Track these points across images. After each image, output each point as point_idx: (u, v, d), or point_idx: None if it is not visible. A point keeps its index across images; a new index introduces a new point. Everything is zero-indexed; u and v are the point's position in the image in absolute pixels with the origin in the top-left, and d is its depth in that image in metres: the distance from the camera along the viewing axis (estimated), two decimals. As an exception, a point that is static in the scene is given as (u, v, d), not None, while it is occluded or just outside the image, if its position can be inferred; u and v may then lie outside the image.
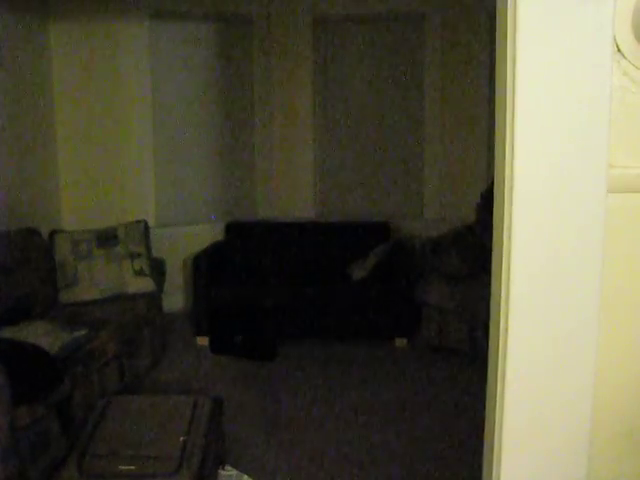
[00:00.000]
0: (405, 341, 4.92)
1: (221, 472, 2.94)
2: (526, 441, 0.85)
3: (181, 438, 2.68)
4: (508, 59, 0.79)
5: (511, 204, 0.81)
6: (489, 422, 0.90)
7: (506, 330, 0.83)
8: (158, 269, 4.81)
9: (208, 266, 5.04)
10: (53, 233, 4.55)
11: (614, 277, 0.82)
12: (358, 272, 5.08)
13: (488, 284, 1.09)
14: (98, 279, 4.42)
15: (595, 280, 0.80)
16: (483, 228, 4.18)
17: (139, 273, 4.53)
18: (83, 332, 3.54)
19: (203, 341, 4.89)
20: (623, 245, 0.82)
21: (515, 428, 0.84)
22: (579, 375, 0.82)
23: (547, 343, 0.82)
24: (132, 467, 2.51)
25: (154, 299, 4.65)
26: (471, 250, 4.50)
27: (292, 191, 5.89)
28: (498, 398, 0.85)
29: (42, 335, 3.35)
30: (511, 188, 0.80)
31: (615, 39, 0.77)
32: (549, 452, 0.85)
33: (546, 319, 0.82)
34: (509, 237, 0.81)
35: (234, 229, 5.60)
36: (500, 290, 0.84)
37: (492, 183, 1.27)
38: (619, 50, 0.78)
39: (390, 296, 4.86)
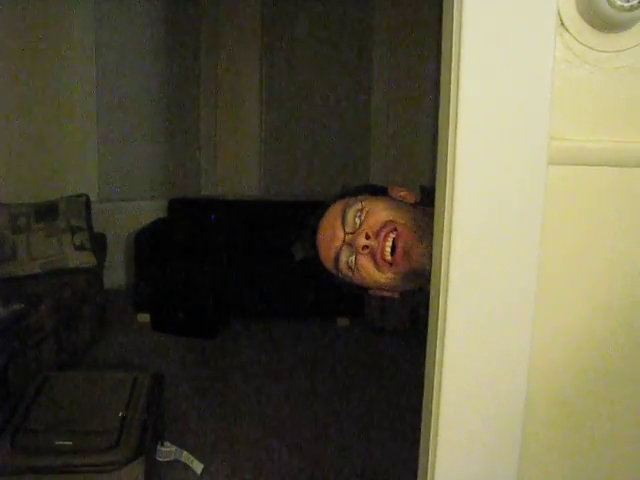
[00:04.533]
0: (347, 320, 4.95)
1: (160, 448, 2.92)
2: (463, 408, 0.86)
3: (120, 413, 2.65)
4: (454, 33, 0.79)
5: (453, 175, 0.81)
6: (427, 390, 0.91)
7: (445, 304, 0.84)
8: (99, 244, 4.72)
9: (150, 243, 4.97)
10: (-11, 206, 4.42)
11: (553, 248, 0.84)
12: (301, 251, 5.07)
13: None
14: (36, 253, 4.31)
15: (534, 251, 0.82)
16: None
17: (80, 247, 4.43)
18: (20, 306, 3.46)
19: (144, 318, 4.83)
20: (563, 217, 0.84)
21: (453, 394, 0.86)
22: (515, 343, 0.84)
23: (485, 313, 0.84)
24: (69, 442, 2.48)
25: (95, 274, 4.56)
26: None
27: (237, 168, 5.83)
28: (437, 364, 0.86)
29: (-24, 309, 3.26)
30: (454, 159, 0.81)
31: (559, 12, 0.78)
32: (485, 418, 0.87)
33: (484, 291, 0.83)
34: (451, 210, 0.82)
35: (177, 206, 5.51)
36: (440, 261, 0.84)
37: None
38: (562, 24, 0.79)
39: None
